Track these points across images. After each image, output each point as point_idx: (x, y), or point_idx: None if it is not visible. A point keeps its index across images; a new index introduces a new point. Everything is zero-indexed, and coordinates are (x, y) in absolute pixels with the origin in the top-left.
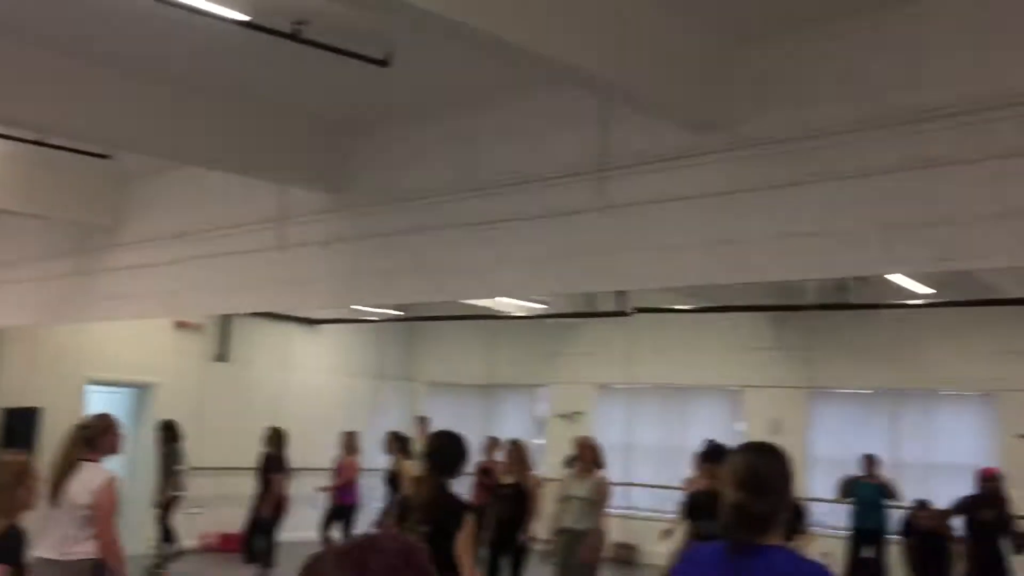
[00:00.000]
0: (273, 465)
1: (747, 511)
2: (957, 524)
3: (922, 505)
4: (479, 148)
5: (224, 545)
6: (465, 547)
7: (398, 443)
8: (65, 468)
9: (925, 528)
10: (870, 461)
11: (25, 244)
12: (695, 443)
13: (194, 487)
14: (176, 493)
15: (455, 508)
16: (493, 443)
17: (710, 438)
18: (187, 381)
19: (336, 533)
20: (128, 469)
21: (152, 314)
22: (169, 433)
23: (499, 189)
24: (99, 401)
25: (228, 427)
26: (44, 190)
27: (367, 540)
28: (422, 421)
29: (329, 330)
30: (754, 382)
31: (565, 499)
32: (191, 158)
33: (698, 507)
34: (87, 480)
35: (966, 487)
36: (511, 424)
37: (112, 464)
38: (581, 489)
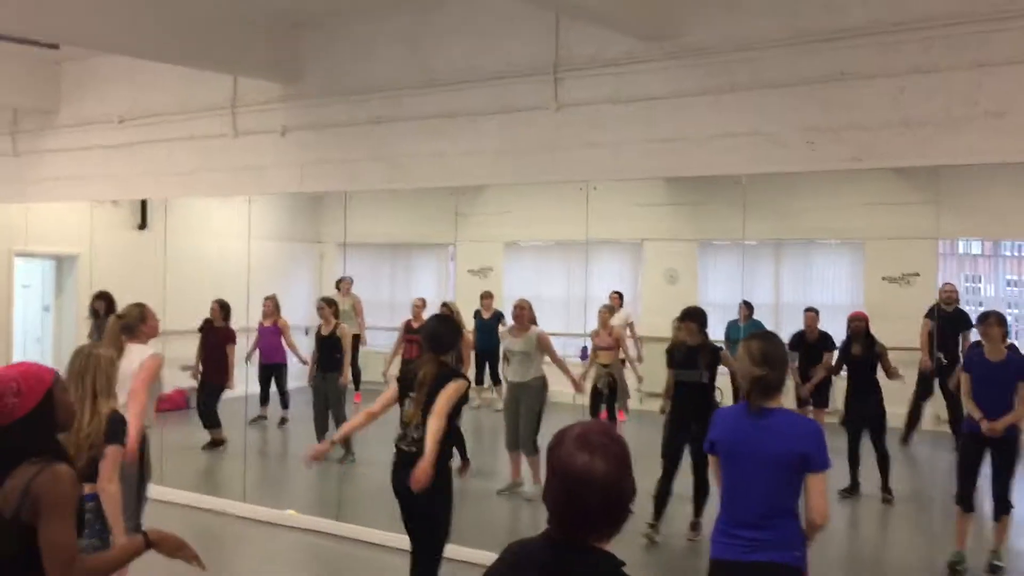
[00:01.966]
0: (223, 336)
1: (764, 381)
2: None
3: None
4: (434, 44)
5: (160, 406)
6: (443, 401)
7: (331, 308)
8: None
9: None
10: (746, 306)
11: None
12: (599, 294)
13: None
14: None
15: (451, 379)
16: (422, 303)
17: (692, 305)
18: (108, 250)
19: (272, 387)
20: (53, 339)
21: (99, 196)
22: (108, 305)
23: (457, 85)
24: (26, 272)
25: (149, 293)
26: None
27: (587, 425)
28: (343, 281)
29: (240, 196)
30: (652, 236)
31: (507, 355)
32: (140, 51)
33: (675, 357)
34: (135, 359)
35: (840, 324)
36: (425, 281)
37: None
38: (519, 344)
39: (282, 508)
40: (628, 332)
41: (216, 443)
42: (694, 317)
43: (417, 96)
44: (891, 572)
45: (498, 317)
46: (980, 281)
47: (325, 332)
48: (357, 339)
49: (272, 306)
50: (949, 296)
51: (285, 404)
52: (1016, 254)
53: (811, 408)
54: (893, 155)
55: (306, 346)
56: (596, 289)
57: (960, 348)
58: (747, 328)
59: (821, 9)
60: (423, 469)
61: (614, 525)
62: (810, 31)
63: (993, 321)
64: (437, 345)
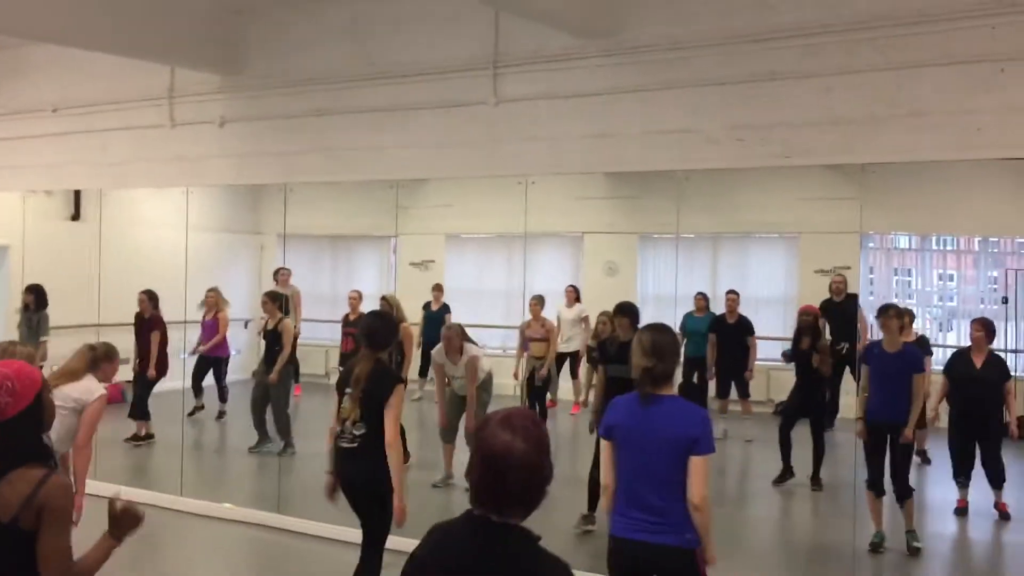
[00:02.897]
0: (153, 326)
1: (652, 372)
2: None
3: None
4: (376, 38)
5: None
6: (392, 414)
7: (275, 303)
8: None
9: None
10: (701, 298)
11: None
12: (540, 287)
13: (57, 346)
14: (41, 364)
15: (388, 378)
16: (359, 296)
17: (625, 300)
18: (40, 242)
19: (209, 380)
20: None
21: (32, 186)
22: (38, 298)
23: (398, 79)
24: None
25: (83, 286)
26: None
27: (511, 411)
28: (282, 272)
29: (177, 187)
30: (592, 229)
31: (449, 380)
32: (74, 40)
33: (606, 351)
34: (86, 388)
35: (774, 315)
36: (366, 274)
37: None
38: (458, 370)
39: (220, 502)
40: (583, 326)
41: (144, 436)
42: (627, 312)
43: (359, 89)
44: (817, 554)
45: (446, 309)
46: (911, 274)
47: (270, 326)
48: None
49: (216, 298)
50: (838, 286)
51: (223, 398)
52: (942, 248)
53: (737, 399)
54: (820, 152)
55: (244, 339)
56: (536, 282)
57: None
58: (705, 320)
59: (752, 11)
60: (399, 509)
61: (531, 503)
62: (741, 32)
63: (892, 314)
64: (373, 342)
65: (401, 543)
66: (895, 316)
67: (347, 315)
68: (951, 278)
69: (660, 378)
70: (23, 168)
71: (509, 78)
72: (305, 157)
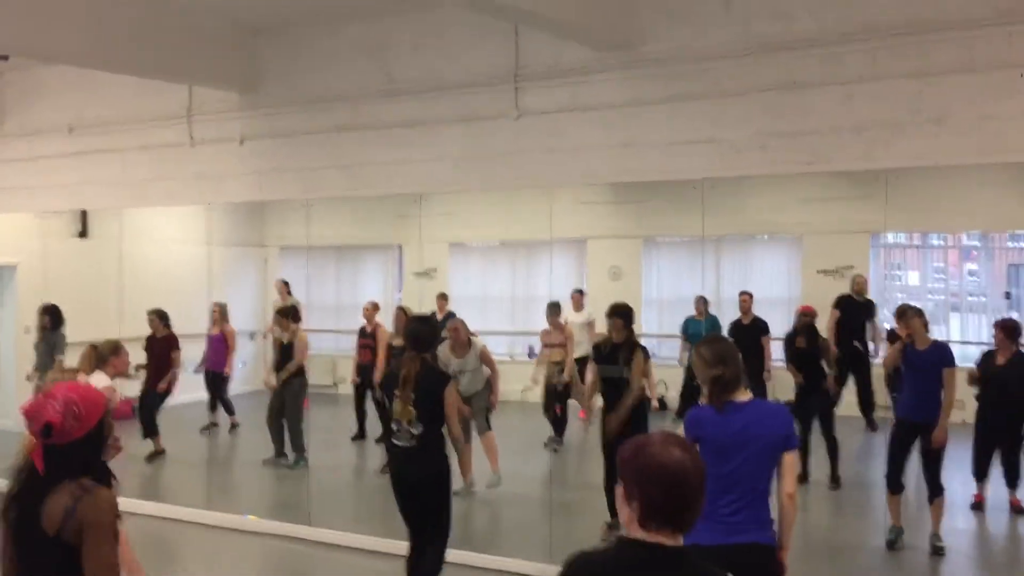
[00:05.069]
0: (166, 344)
1: (723, 378)
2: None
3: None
4: (394, 55)
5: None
6: (452, 406)
7: (287, 318)
8: None
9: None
10: (701, 301)
11: None
12: (545, 292)
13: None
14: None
15: (438, 377)
16: (374, 307)
17: (619, 302)
18: (49, 259)
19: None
20: None
21: (48, 207)
22: (54, 319)
23: (417, 95)
24: None
25: (93, 301)
26: None
27: (664, 431)
28: (284, 285)
29: (197, 205)
30: (595, 234)
31: (457, 375)
32: (92, 62)
33: (600, 353)
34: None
35: (778, 315)
36: (371, 284)
37: None
38: (465, 363)
39: (243, 514)
40: (589, 331)
41: (155, 452)
42: (620, 313)
43: (379, 105)
44: (836, 552)
45: (451, 317)
46: (899, 269)
47: (287, 340)
48: None
49: (219, 313)
50: (860, 286)
51: (230, 411)
52: (942, 245)
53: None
54: (843, 159)
55: (250, 351)
56: (541, 288)
57: (870, 336)
58: (705, 324)
59: (770, 20)
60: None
61: (697, 517)
62: (761, 41)
63: (913, 313)
64: (418, 344)
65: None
66: (917, 315)
67: (363, 327)
68: (947, 274)
69: (731, 383)
70: (38, 188)
71: (530, 91)
72: (325, 173)
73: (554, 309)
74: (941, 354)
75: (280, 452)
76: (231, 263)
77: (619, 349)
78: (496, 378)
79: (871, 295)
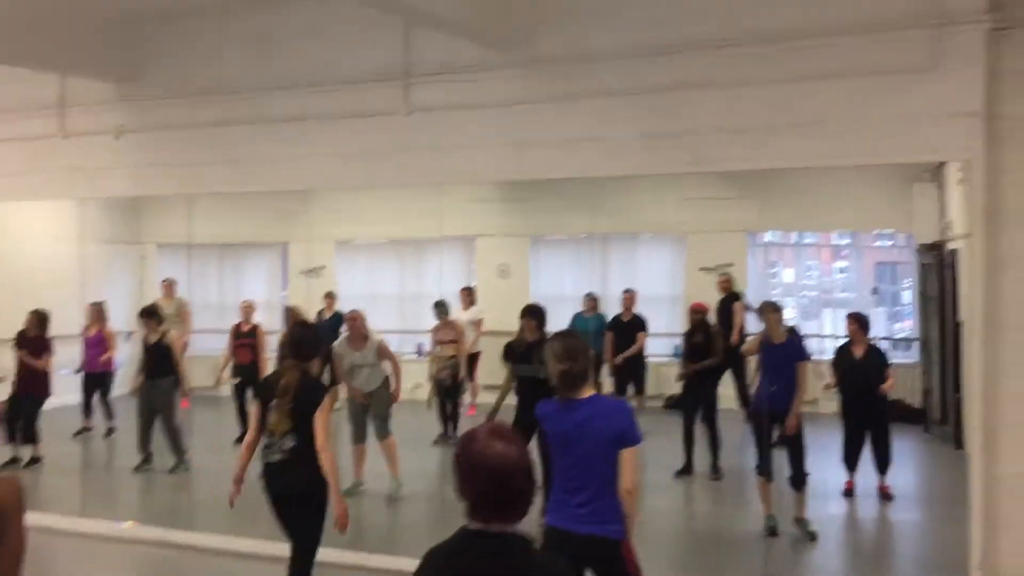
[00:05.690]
0: (39, 345)
1: (570, 373)
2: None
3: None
4: (283, 47)
5: None
6: (323, 419)
7: (154, 318)
8: None
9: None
10: (590, 298)
11: None
12: (433, 290)
13: None
14: None
15: (317, 388)
16: (250, 306)
17: (532, 303)
18: None
19: (95, 398)
20: None
21: None
22: None
23: (307, 88)
24: None
25: None
26: None
27: (492, 423)
28: (168, 284)
29: (71, 199)
30: (484, 232)
31: (353, 370)
32: None
33: (513, 352)
34: None
35: (663, 312)
36: (255, 282)
37: None
38: (362, 357)
39: (121, 521)
40: (477, 328)
41: (34, 459)
42: (533, 314)
43: (266, 98)
44: (716, 540)
45: (339, 316)
46: (776, 267)
47: (152, 340)
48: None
49: (97, 313)
50: (721, 285)
51: (110, 415)
52: (814, 243)
53: (633, 395)
54: (725, 159)
55: (126, 352)
56: (432, 286)
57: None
58: (593, 320)
59: (656, 24)
60: (342, 511)
61: (527, 507)
62: (647, 44)
63: (770, 308)
64: (301, 352)
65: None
66: (773, 310)
67: (238, 325)
68: (818, 270)
69: (578, 378)
70: None
71: (421, 87)
72: (208, 168)
73: (442, 307)
74: (795, 348)
75: (147, 459)
76: (104, 261)
77: (534, 348)
78: (399, 372)
79: (748, 291)
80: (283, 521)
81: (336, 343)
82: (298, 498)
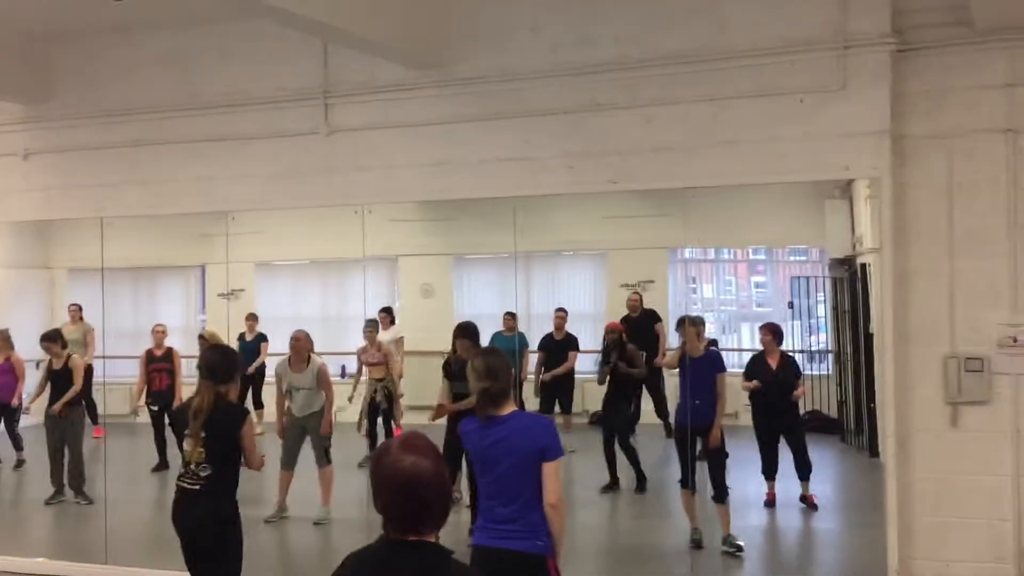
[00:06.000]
0: None
1: (490, 391)
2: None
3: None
4: (199, 67)
5: None
6: (247, 441)
7: (56, 343)
8: None
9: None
10: (510, 317)
11: None
12: (357, 311)
13: None
14: None
15: (233, 414)
16: (163, 331)
17: (465, 320)
18: None
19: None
20: None
21: None
22: None
23: (224, 108)
24: None
25: None
26: None
27: (406, 434)
28: (77, 309)
29: None
30: (407, 251)
31: (291, 391)
32: None
33: (450, 368)
34: None
35: (585, 329)
36: (171, 306)
37: None
38: (303, 380)
39: (32, 556)
40: (399, 347)
41: None
42: (467, 334)
43: (182, 119)
44: (641, 554)
45: (262, 337)
46: (695, 283)
47: (57, 366)
48: (90, 370)
49: (3, 340)
50: (633, 303)
51: (18, 446)
52: (731, 259)
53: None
54: (645, 178)
55: (35, 381)
56: (353, 307)
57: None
58: (512, 339)
59: (575, 46)
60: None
61: (443, 517)
62: (566, 65)
63: (688, 323)
64: (215, 375)
65: None
66: (691, 325)
67: (150, 350)
68: (735, 286)
69: (498, 396)
70: None
71: (341, 107)
72: (122, 190)
73: (372, 324)
74: (713, 361)
75: (60, 490)
76: (13, 287)
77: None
78: (331, 405)
79: (670, 306)
80: (189, 555)
81: (278, 362)
82: (209, 531)
